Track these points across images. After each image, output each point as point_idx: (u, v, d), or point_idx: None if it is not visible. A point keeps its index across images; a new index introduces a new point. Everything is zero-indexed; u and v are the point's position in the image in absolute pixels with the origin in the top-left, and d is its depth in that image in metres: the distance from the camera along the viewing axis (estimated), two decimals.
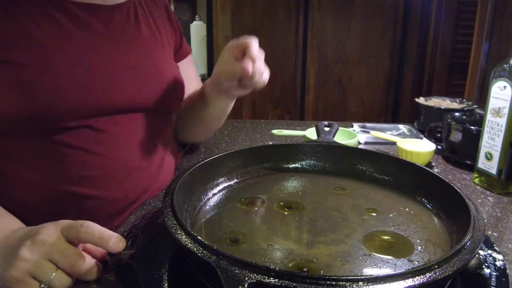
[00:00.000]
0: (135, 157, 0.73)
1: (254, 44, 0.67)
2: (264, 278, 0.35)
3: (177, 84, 0.81)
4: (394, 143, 1.00)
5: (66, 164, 0.67)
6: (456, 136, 0.92)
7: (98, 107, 0.67)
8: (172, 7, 1.78)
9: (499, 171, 0.77)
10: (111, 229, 0.72)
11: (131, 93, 0.71)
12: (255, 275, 0.35)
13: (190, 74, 0.95)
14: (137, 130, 0.74)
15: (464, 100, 1.23)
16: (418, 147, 0.91)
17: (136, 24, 0.77)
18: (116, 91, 0.69)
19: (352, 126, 1.25)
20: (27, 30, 0.63)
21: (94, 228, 0.47)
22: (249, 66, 0.65)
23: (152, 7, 0.83)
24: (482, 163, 0.80)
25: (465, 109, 1.13)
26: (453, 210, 0.53)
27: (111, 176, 0.71)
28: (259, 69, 0.68)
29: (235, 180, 0.66)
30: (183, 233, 0.42)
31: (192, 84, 0.95)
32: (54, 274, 0.46)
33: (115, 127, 0.70)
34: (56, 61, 0.64)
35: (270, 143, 1.09)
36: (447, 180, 0.56)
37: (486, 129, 0.79)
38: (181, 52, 0.93)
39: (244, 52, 0.67)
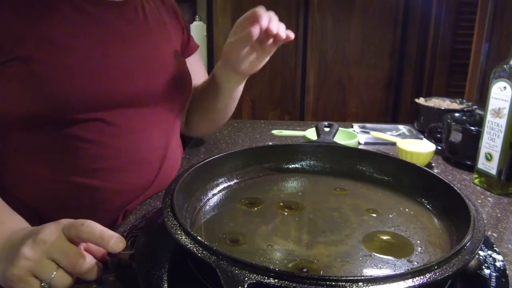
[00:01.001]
0: (144, 150, 0.75)
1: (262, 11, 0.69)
2: (264, 279, 0.35)
3: (184, 78, 0.83)
4: (394, 144, 1.00)
5: (78, 156, 0.68)
6: (456, 137, 0.92)
7: (109, 98, 0.69)
8: None
9: (499, 172, 0.77)
10: (116, 219, 0.74)
11: (140, 85, 0.72)
12: (254, 275, 0.35)
13: (199, 69, 0.98)
14: (149, 125, 0.75)
15: (464, 101, 1.23)
16: (418, 148, 0.91)
17: (144, 19, 0.78)
18: (125, 82, 0.71)
19: (352, 127, 1.25)
20: (37, 26, 0.64)
21: (95, 227, 0.47)
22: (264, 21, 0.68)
23: (159, 4, 0.85)
24: (482, 163, 0.80)
25: (465, 109, 1.14)
26: (453, 210, 0.53)
27: (120, 168, 0.72)
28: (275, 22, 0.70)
29: (235, 181, 0.66)
30: (183, 234, 0.42)
31: (200, 78, 0.96)
32: (54, 273, 0.47)
33: (126, 121, 0.72)
34: (66, 54, 0.65)
35: (270, 143, 1.10)
36: (447, 181, 0.56)
37: (486, 129, 0.79)
38: (188, 49, 0.94)
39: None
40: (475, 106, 1.17)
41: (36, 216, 0.61)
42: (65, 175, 0.69)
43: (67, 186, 0.69)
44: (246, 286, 0.34)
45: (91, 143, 0.68)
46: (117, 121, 0.70)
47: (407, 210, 0.58)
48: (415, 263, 0.46)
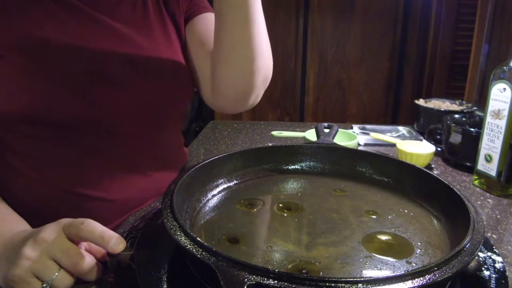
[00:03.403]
0: (138, 159, 0.73)
1: None
2: (263, 280, 0.35)
3: (180, 82, 0.77)
4: (393, 145, 1.00)
5: (66, 163, 0.67)
6: (456, 138, 0.92)
7: (93, 100, 0.65)
8: None
9: (499, 173, 0.77)
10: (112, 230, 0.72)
11: (128, 88, 0.69)
12: (254, 276, 0.35)
13: (209, 30, 0.77)
14: (140, 131, 0.72)
15: (464, 102, 1.23)
16: (418, 149, 0.91)
17: (145, 15, 0.74)
18: (113, 86, 0.67)
19: (351, 128, 1.25)
20: (26, 26, 0.62)
21: (95, 226, 0.47)
22: None
23: None
24: (481, 165, 0.80)
25: (465, 111, 1.14)
26: (452, 212, 0.53)
27: (112, 177, 0.70)
28: None
29: (235, 182, 0.66)
30: (183, 234, 0.42)
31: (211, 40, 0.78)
32: (56, 273, 0.46)
33: (116, 127, 0.69)
34: (52, 55, 0.63)
35: (270, 144, 1.10)
36: (446, 182, 0.56)
37: (486, 131, 0.79)
38: (191, 11, 0.81)
39: None
40: (475, 108, 1.17)
41: (28, 221, 0.61)
42: (51, 179, 0.67)
43: (54, 190, 0.68)
44: (245, 287, 0.34)
45: (77, 149, 0.67)
46: (104, 127, 0.68)
47: (406, 211, 0.58)
48: (414, 264, 0.46)
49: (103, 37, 0.68)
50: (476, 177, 0.83)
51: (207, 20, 0.81)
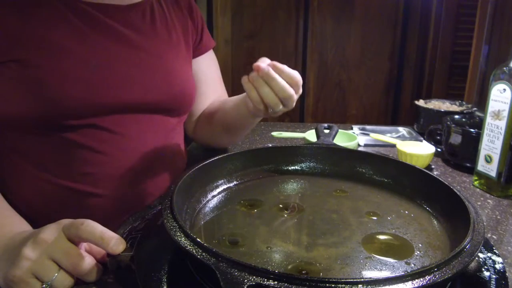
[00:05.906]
0: (141, 159, 0.73)
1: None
2: (263, 280, 0.35)
3: (187, 88, 0.80)
4: (393, 146, 1.00)
5: (69, 160, 0.68)
6: (456, 139, 0.92)
7: (104, 105, 0.67)
8: None
9: (499, 174, 0.77)
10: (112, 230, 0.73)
11: (138, 93, 0.71)
12: (254, 277, 0.35)
13: (209, 73, 0.93)
14: (144, 131, 0.74)
15: (464, 103, 1.23)
16: (418, 150, 0.91)
17: (152, 23, 0.76)
18: (123, 90, 0.69)
19: (351, 129, 1.25)
20: (36, 29, 0.64)
21: (95, 227, 0.47)
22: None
23: (172, 5, 0.82)
24: (481, 165, 0.80)
25: (465, 111, 1.14)
26: (452, 212, 0.53)
27: (115, 176, 0.71)
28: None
29: (235, 182, 0.66)
30: (182, 235, 0.42)
31: (212, 83, 0.93)
32: (56, 274, 0.46)
33: (122, 127, 0.70)
34: (63, 58, 0.65)
35: (270, 145, 1.09)
36: (446, 183, 0.56)
37: (486, 131, 0.79)
38: (199, 48, 0.90)
39: None
40: (475, 108, 1.17)
41: (28, 219, 0.61)
42: (57, 177, 0.68)
43: (59, 188, 0.68)
44: (245, 287, 0.34)
45: (83, 147, 0.67)
46: (111, 127, 0.69)
47: (406, 212, 0.58)
48: (414, 265, 0.46)
49: (113, 42, 0.70)
50: (476, 178, 0.83)
51: (209, 59, 0.93)
